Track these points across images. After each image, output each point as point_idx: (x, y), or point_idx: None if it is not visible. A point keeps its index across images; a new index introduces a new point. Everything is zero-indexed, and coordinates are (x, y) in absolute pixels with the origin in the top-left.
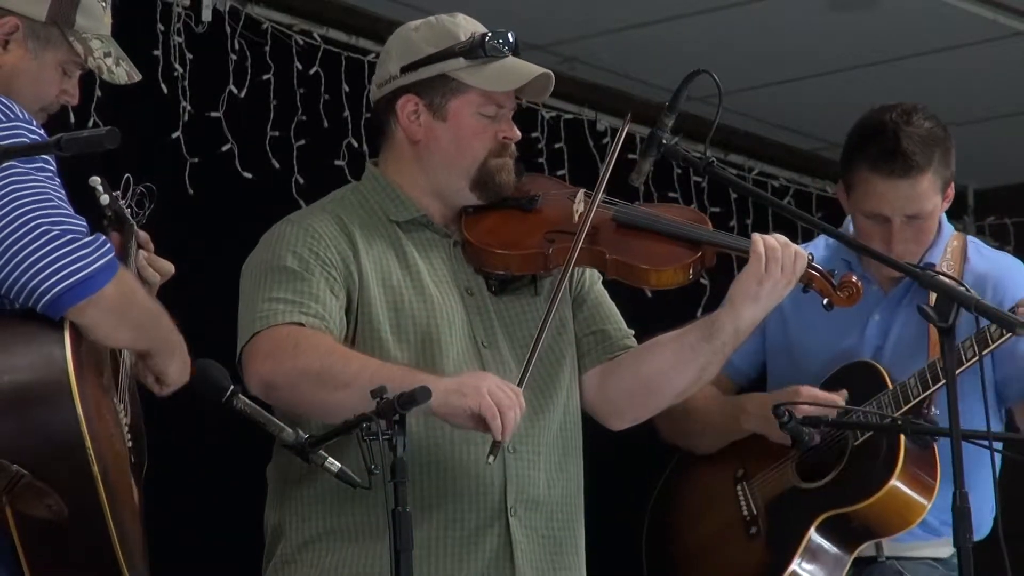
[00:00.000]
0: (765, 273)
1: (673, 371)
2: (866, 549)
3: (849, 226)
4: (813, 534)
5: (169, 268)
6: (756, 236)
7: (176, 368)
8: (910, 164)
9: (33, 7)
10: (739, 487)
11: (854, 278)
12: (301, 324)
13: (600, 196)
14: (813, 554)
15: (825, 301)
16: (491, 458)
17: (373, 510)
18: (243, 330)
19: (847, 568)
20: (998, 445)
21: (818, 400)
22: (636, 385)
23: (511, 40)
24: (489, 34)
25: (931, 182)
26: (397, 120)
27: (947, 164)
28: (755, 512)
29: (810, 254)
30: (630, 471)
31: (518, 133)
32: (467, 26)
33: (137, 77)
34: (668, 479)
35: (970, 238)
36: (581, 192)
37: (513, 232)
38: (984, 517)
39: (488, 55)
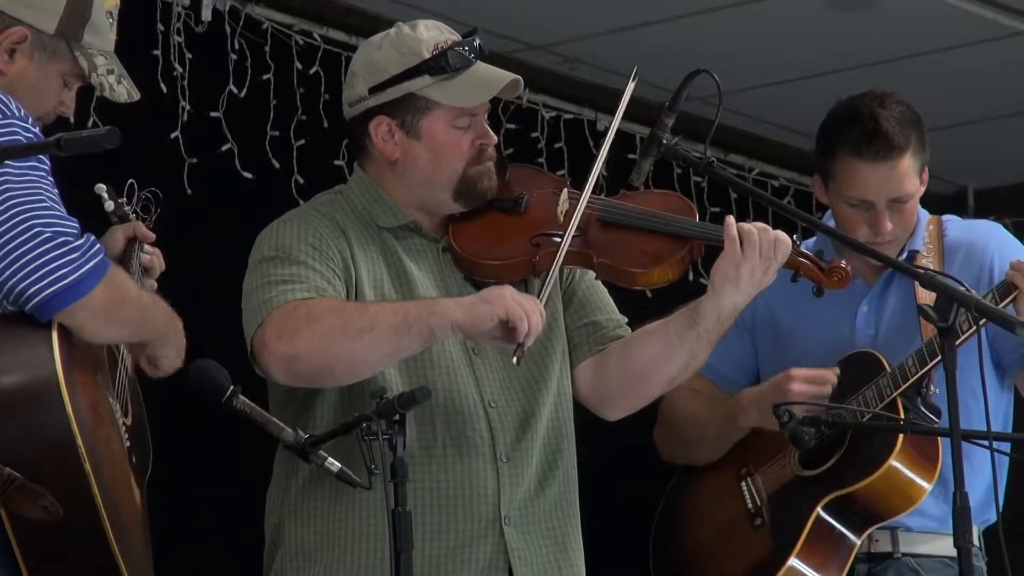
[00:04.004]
0: (742, 257)
1: (661, 360)
2: (882, 544)
3: (829, 220)
4: (818, 518)
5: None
6: (729, 219)
7: (170, 354)
8: (891, 145)
9: (43, 19)
10: (743, 483)
11: (843, 263)
12: (306, 299)
13: (586, 198)
14: (818, 539)
15: (815, 287)
16: (516, 359)
17: (371, 515)
18: (249, 321)
19: (854, 553)
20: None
21: (809, 379)
22: (626, 376)
23: (476, 45)
24: (452, 46)
25: (910, 163)
26: (372, 141)
27: (923, 146)
28: (759, 504)
29: (795, 238)
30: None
31: (494, 137)
32: (430, 38)
33: (136, 96)
34: (676, 484)
35: (944, 216)
36: (565, 190)
37: (499, 239)
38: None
39: (453, 69)
